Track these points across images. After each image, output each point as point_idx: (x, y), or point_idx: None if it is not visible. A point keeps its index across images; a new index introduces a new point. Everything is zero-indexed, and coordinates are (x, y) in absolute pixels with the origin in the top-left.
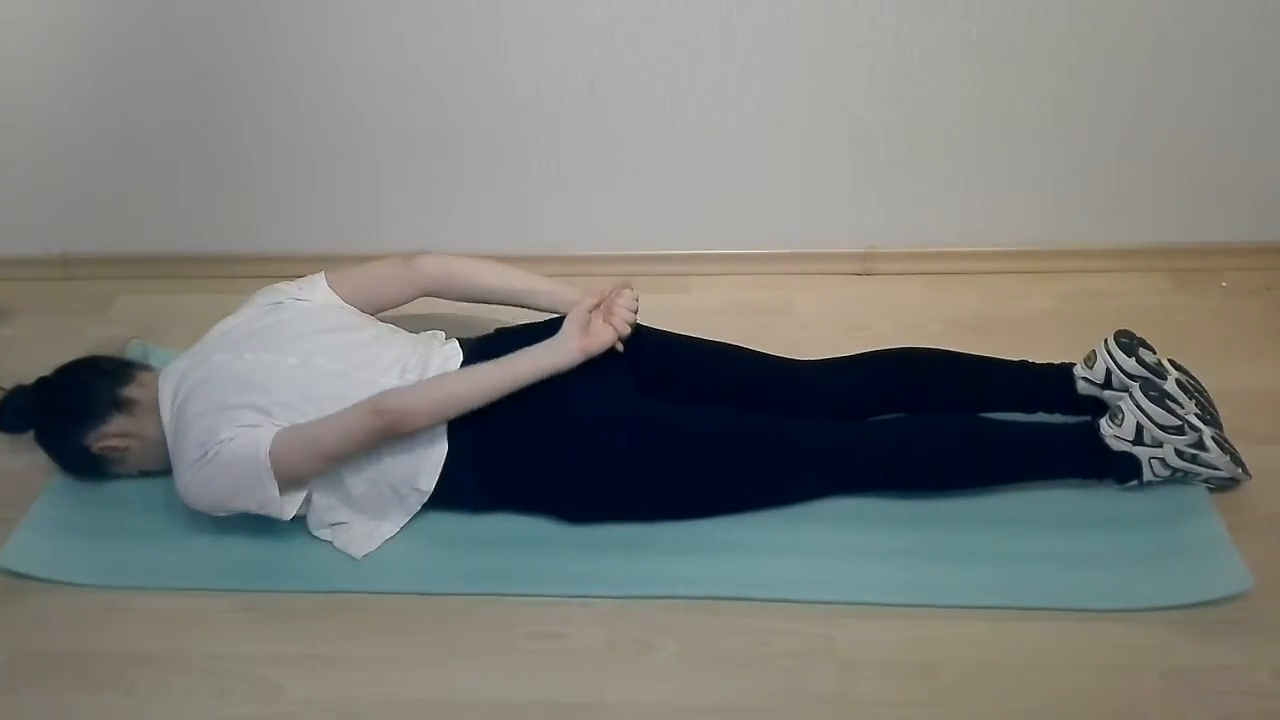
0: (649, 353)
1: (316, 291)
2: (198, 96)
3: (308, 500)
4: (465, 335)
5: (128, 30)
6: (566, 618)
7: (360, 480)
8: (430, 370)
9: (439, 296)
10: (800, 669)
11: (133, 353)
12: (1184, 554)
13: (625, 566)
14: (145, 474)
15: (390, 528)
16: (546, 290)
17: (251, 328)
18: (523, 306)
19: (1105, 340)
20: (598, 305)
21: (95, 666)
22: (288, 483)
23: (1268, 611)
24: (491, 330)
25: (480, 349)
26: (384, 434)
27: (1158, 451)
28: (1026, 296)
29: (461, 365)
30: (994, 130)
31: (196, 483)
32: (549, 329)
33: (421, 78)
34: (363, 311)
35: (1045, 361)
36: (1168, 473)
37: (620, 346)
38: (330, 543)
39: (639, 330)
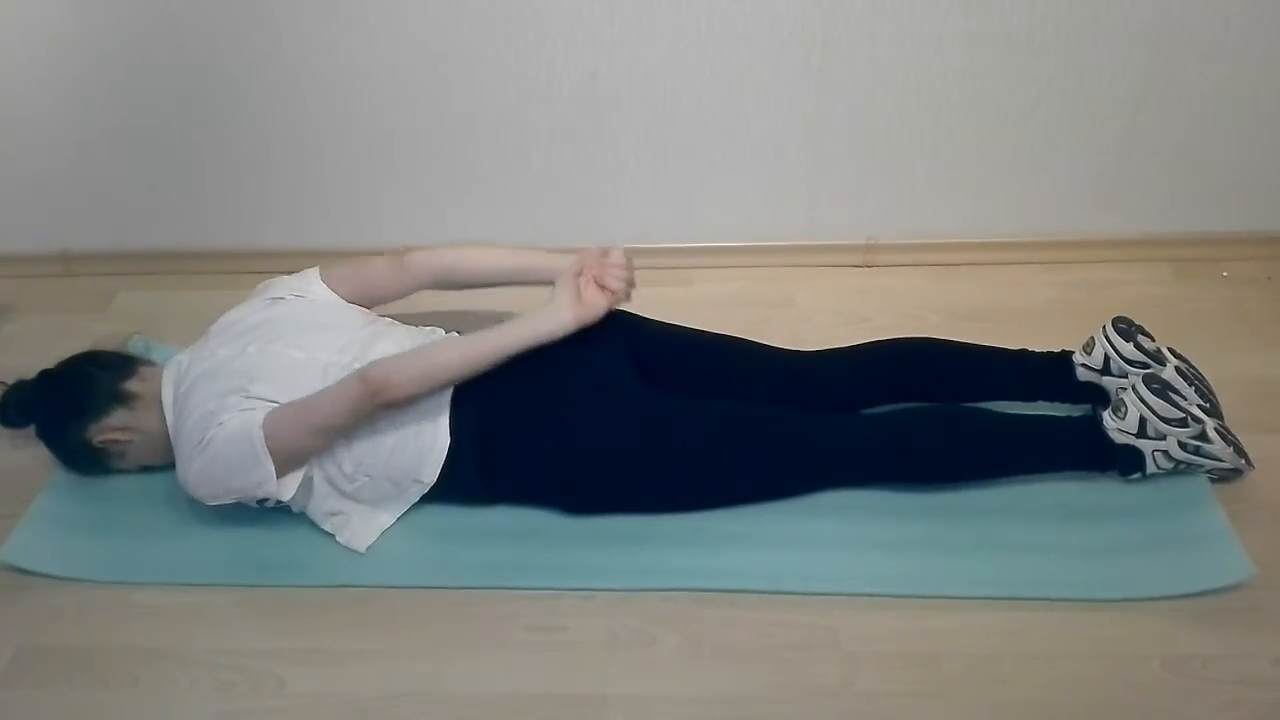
0: (651, 346)
1: (313, 287)
2: (198, 92)
3: (309, 490)
4: (465, 329)
5: (128, 26)
6: (568, 610)
7: (362, 473)
8: None
9: (438, 289)
10: (803, 660)
11: (134, 348)
12: (1185, 543)
13: (627, 559)
14: (146, 469)
15: (388, 518)
16: (538, 265)
17: (253, 321)
18: (520, 284)
19: (1103, 326)
20: (580, 273)
21: (98, 662)
22: (283, 460)
23: (1269, 600)
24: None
25: None
26: (371, 401)
27: (1161, 444)
28: (1027, 287)
29: None
30: (994, 121)
31: (195, 469)
32: None
33: (422, 71)
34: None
35: (1045, 350)
36: (1171, 465)
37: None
38: (332, 535)
39: (641, 322)
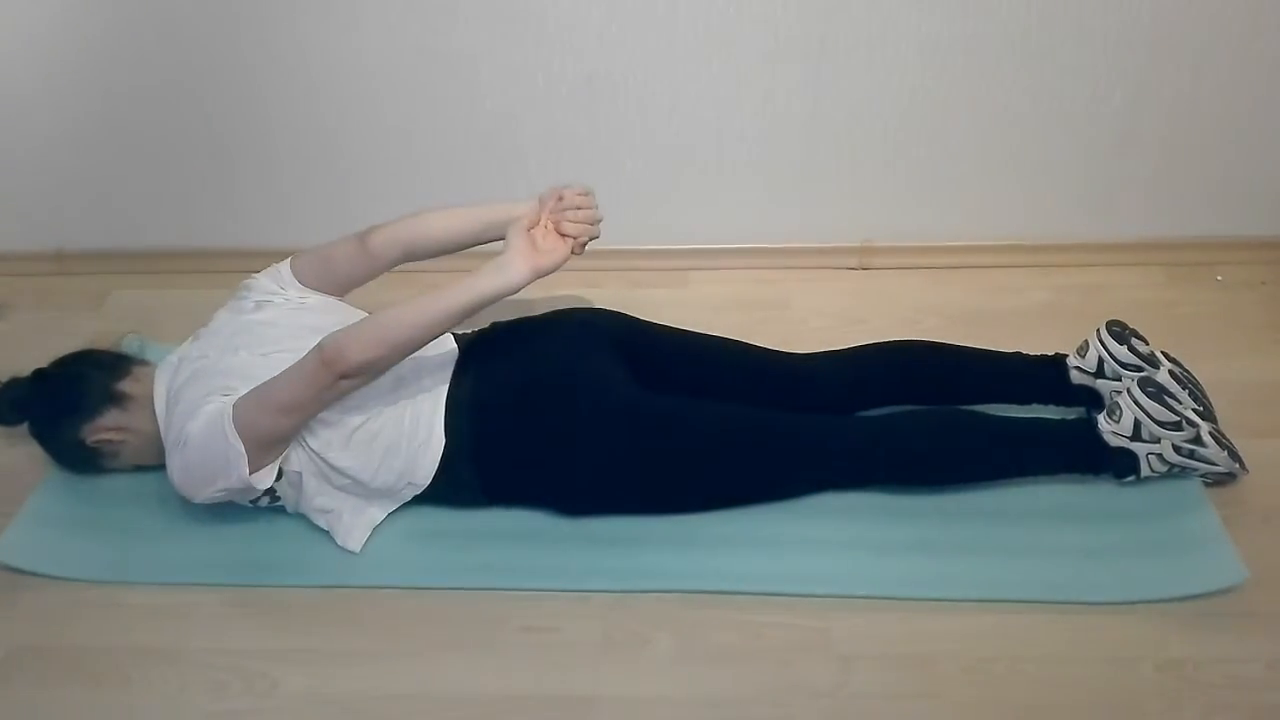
0: (647, 347)
1: (292, 287)
2: (192, 92)
3: (299, 488)
4: (460, 330)
5: (122, 26)
6: (562, 612)
7: (356, 473)
8: (423, 363)
9: (408, 262)
10: (796, 662)
11: (129, 347)
12: (1179, 547)
13: (621, 560)
14: (139, 468)
15: (379, 512)
16: (501, 217)
17: (241, 324)
18: (492, 240)
19: (1097, 329)
20: (537, 222)
21: (91, 661)
22: (257, 445)
23: (1262, 604)
24: (487, 325)
25: (476, 343)
26: (329, 372)
27: (1155, 447)
28: (1022, 290)
29: (458, 360)
30: (990, 124)
31: (177, 466)
32: (546, 323)
33: (419, 74)
34: (334, 295)
35: (1039, 353)
36: (1165, 468)
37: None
38: (327, 534)
39: (637, 324)
